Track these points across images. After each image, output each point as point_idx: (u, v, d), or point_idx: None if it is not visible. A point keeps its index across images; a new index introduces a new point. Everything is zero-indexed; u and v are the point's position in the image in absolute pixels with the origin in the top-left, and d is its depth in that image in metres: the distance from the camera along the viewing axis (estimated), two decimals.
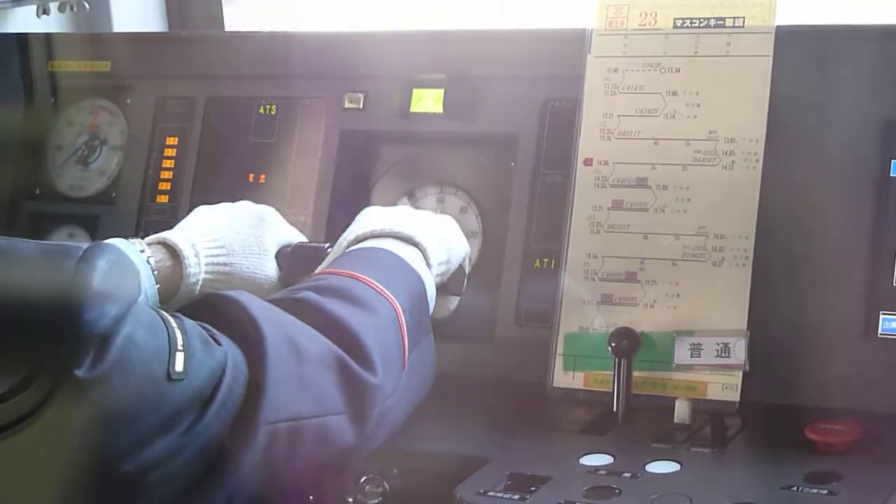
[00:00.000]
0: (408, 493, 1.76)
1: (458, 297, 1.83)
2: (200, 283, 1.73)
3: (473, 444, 1.77)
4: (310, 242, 1.87)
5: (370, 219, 1.77)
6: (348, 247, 1.73)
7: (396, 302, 1.60)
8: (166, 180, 2.28)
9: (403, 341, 1.59)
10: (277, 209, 1.90)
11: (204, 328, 1.41)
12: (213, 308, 1.47)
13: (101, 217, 2.32)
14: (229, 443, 1.38)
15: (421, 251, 1.72)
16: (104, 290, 1.27)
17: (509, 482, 1.64)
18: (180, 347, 1.34)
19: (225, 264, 1.75)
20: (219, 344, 1.40)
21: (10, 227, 2.36)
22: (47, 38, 2.42)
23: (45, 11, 2.50)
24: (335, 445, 1.50)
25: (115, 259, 1.31)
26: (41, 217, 2.37)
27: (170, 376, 1.32)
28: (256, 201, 1.92)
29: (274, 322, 1.46)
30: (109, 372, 1.26)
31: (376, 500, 1.76)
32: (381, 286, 1.60)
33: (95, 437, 1.28)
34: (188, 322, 1.39)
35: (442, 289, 1.78)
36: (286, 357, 1.45)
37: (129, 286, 1.33)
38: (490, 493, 1.61)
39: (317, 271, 1.69)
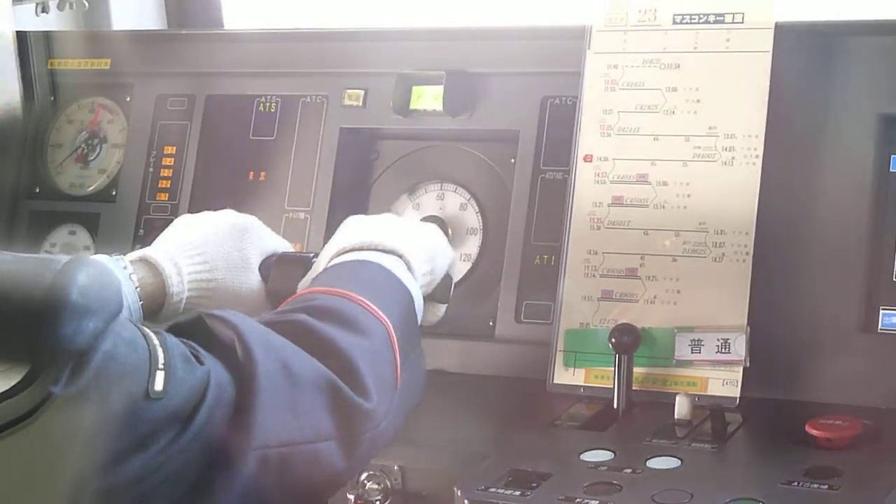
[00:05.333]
0: (409, 490, 1.76)
1: (446, 305, 1.81)
2: (184, 300, 1.71)
3: (474, 440, 1.77)
4: (294, 252, 1.83)
5: (354, 229, 1.74)
6: (333, 258, 1.71)
7: (389, 322, 1.58)
8: (166, 178, 2.28)
9: (396, 363, 1.57)
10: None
11: (188, 345, 1.38)
12: (203, 327, 1.44)
13: (101, 215, 2.32)
14: (217, 467, 1.36)
15: (405, 262, 1.70)
16: (82, 305, 1.24)
17: (510, 478, 1.64)
18: (161, 366, 1.31)
19: (208, 280, 1.73)
20: (201, 363, 1.37)
21: (11, 225, 2.36)
22: (47, 35, 2.42)
23: (45, 9, 2.49)
24: (325, 471, 1.48)
25: (94, 273, 1.27)
26: (41, 215, 2.37)
27: (148, 395, 1.29)
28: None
29: (266, 345, 1.44)
30: (87, 388, 1.24)
31: (378, 497, 1.76)
32: (373, 306, 1.58)
33: (71, 453, 1.26)
34: (171, 339, 1.36)
35: (429, 297, 1.77)
36: (278, 381, 1.42)
37: (110, 301, 1.28)
38: (491, 490, 1.61)
39: (307, 288, 1.65)
